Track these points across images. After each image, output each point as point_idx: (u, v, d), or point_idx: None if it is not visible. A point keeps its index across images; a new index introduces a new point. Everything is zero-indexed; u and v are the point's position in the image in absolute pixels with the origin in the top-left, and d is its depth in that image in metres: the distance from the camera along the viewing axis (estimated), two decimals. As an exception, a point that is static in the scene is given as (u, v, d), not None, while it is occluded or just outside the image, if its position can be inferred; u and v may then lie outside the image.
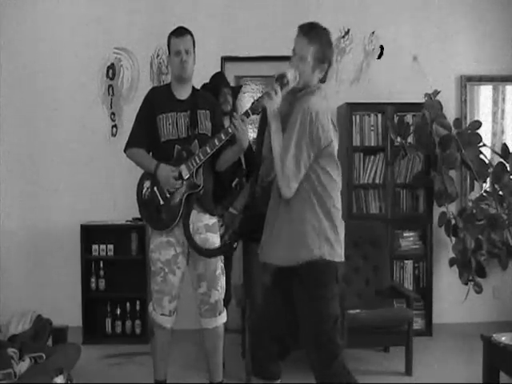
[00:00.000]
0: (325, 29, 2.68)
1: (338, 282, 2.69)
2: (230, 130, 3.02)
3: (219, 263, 3.28)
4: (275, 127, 2.59)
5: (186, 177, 3.12)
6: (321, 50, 2.61)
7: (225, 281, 3.35)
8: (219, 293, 3.27)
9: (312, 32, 2.65)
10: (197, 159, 3.10)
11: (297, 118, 2.53)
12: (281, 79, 2.61)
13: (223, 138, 3.04)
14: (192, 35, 3.27)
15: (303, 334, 2.63)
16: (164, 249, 3.20)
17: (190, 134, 3.19)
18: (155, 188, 3.20)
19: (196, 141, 3.18)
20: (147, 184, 3.24)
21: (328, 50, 2.66)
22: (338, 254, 2.68)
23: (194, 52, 3.27)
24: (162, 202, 3.18)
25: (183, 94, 3.27)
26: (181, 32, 3.23)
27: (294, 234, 2.59)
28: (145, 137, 3.25)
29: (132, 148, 3.27)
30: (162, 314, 3.25)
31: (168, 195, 3.16)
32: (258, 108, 3.00)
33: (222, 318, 3.32)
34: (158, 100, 3.26)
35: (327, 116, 2.58)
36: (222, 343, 3.37)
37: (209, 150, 3.07)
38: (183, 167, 3.12)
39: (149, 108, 3.25)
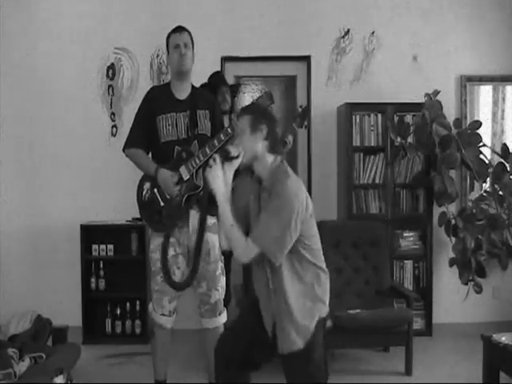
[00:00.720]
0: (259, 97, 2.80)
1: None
2: (229, 131, 3.01)
3: (219, 263, 3.28)
4: (222, 209, 2.48)
5: (186, 178, 3.12)
6: (254, 118, 2.54)
7: (225, 281, 3.35)
8: (219, 293, 3.27)
9: (247, 107, 2.72)
10: (197, 160, 3.09)
11: (275, 207, 2.42)
12: (224, 153, 2.56)
13: (223, 138, 3.03)
14: (190, 33, 3.28)
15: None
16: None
17: (189, 135, 3.19)
18: (155, 190, 3.20)
19: (196, 141, 3.18)
20: (147, 185, 3.24)
21: (262, 117, 2.56)
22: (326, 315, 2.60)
23: (193, 50, 3.28)
24: (162, 204, 3.18)
25: (182, 93, 3.26)
26: (179, 29, 3.26)
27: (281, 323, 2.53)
28: (144, 137, 3.25)
29: (131, 148, 3.27)
30: (162, 314, 3.25)
31: (168, 197, 3.17)
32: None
33: (223, 318, 3.32)
34: (158, 100, 3.25)
35: (301, 189, 2.49)
36: None
37: (208, 151, 3.06)
38: (183, 168, 3.12)
39: (148, 108, 3.26)
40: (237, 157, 2.53)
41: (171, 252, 3.20)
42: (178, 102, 3.24)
